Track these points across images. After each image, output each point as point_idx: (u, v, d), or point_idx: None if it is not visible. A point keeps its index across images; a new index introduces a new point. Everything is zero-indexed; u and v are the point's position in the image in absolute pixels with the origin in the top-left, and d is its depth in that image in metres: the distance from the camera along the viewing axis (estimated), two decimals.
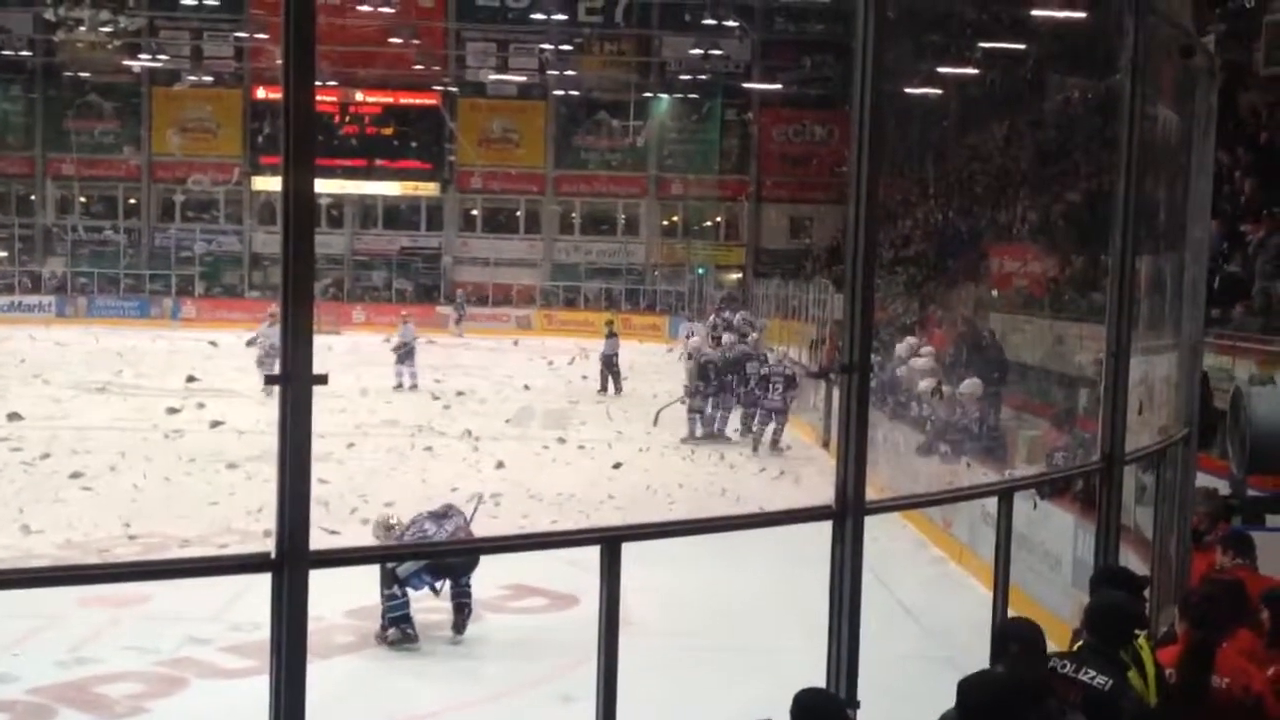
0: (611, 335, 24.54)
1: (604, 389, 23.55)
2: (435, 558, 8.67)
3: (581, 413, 20.38)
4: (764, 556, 8.58)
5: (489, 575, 9.09)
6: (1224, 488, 8.42)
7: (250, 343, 22.19)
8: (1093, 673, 4.35)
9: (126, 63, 43.29)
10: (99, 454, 14.63)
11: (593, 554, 3.99)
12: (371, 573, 8.73)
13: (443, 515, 9.06)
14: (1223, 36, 20.82)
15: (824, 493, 4.61)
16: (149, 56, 43.70)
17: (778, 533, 4.96)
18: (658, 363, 26.39)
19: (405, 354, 23.41)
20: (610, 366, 23.86)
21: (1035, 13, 25.69)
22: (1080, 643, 4.76)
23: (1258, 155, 17.12)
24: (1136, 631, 4.75)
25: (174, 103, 43.78)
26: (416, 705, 7.98)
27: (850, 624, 4.47)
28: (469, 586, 9.00)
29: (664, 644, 8.39)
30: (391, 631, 8.83)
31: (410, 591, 8.82)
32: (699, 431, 18.54)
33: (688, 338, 25.17)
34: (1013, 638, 4.32)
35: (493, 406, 20.02)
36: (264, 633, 3.45)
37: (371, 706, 7.77)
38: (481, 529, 9.10)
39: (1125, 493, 6.28)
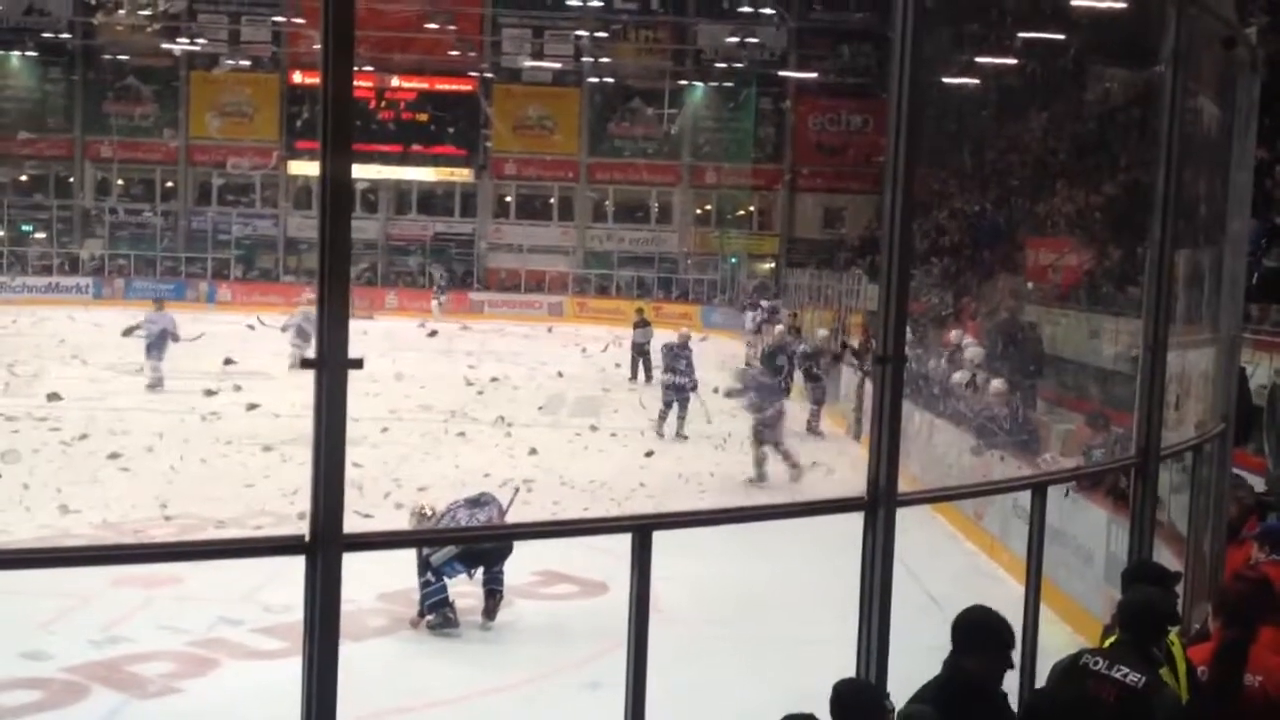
0: (644, 323, 24.51)
1: (634, 377, 23.54)
2: (468, 544, 8.72)
3: (614, 400, 20.40)
4: (796, 546, 8.57)
5: (520, 561, 9.12)
6: (1259, 484, 8.36)
7: (284, 328, 22.38)
8: (1126, 670, 4.32)
9: (165, 46, 43.61)
10: (136, 435, 14.77)
11: (624, 542, 4.00)
12: (404, 556, 8.78)
13: (477, 503, 9.09)
14: (1266, 29, 20.58)
15: (855, 484, 4.60)
16: (187, 40, 43.98)
17: (810, 523, 4.96)
18: (691, 350, 26.36)
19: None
20: (642, 354, 23.84)
21: (1075, 2, 25.45)
22: (1113, 639, 4.73)
23: None
24: (1169, 628, 4.72)
25: (212, 86, 44.04)
26: (446, 689, 8.02)
27: (881, 615, 4.46)
28: (501, 574, 9.04)
29: (694, 633, 8.41)
30: (431, 617, 8.88)
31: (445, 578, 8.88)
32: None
33: (760, 325, 24.80)
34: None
35: (526, 393, 20.09)
36: (296, 615, 3.48)
37: (402, 689, 7.82)
38: (514, 515, 9.13)
39: (1160, 487, 6.23)
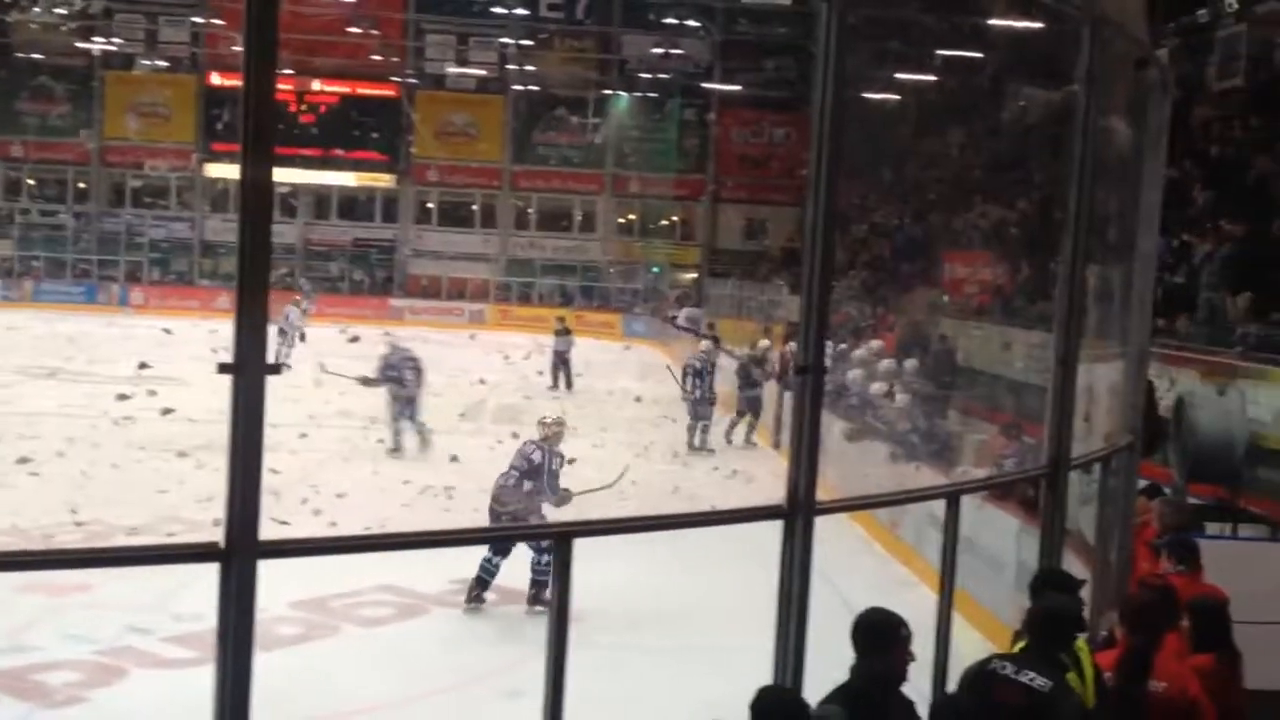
0: (565, 331, 24.54)
1: (555, 385, 23.54)
2: (377, 550, 8.69)
3: (536, 408, 20.31)
4: (718, 555, 8.62)
5: (439, 570, 9.08)
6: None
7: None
8: (1033, 675, 4.41)
9: (81, 45, 42.78)
10: (46, 439, 14.46)
11: None
12: (318, 564, 8.68)
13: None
14: (1176, 51, 21.16)
15: (776, 493, 4.64)
16: (104, 40, 43.19)
17: (732, 532, 5.00)
18: (613, 359, 26.42)
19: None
20: (563, 362, 23.87)
21: (993, 22, 25.94)
22: (1021, 645, 4.82)
23: (1208, 169, 17.39)
24: (1076, 635, 4.82)
25: (128, 87, 43.31)
26: (362, 699, 7.95)
27: (798, 623, 4.51)
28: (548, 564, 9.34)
29: (614, 640, 8.42)
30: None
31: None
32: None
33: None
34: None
35: (447, 400, 19.96)
36: (206, 623, 3.43)
37: (316, 700, 7.72)
38: (434, 522, 9.11)
39: (1069, 497, 6.36)
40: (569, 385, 23.55)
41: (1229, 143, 17.91)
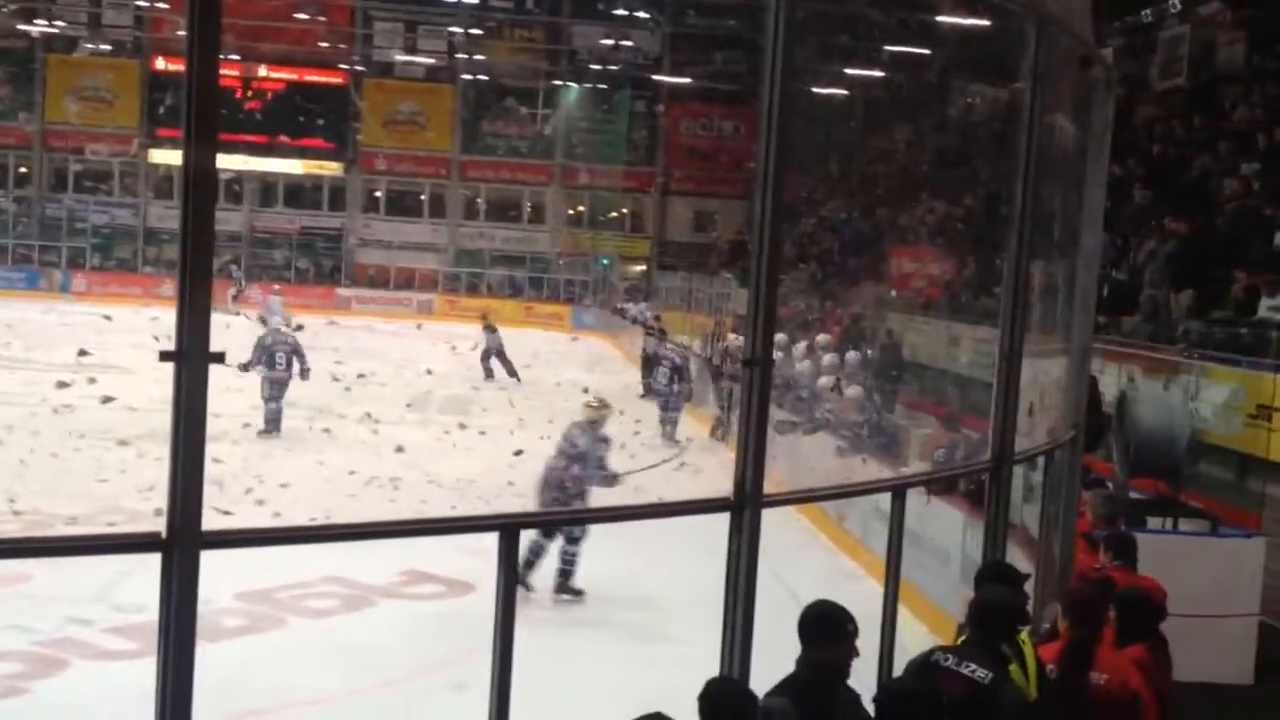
0: (490, 329, 24.27)
1: (489, 377, 23.36)
2: (323, 541, 8.61)
3: (483, 399, 20.28)
4: (666, 547, 8.62)
5: (386, 561, 9.02)
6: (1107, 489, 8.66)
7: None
8: (974, 666, 4.46)
9: (22, 27, 42.04)
10: None
11: (491, 541, 3.98)
12: (262, 555, 8.60)
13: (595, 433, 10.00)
14: (1120, 50, 21.43)
15: (722, 485, 4.65)
16: (45, 22, 42.46)
17: (681, 524, 5.00)
18: (561, 350, 26.36)
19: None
20: (498, 357, 23.60)
21: (941, 19, 26.14)
22: (964, 637, 4.87)
23: (1150, 167, 17.62)
24: (1019, 627, 4.87)
25: (70, 70, 42.63)
26: (306, 691, 7.87)
27: (745, 614, 4.52)
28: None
29: (562, 633, 8.41)
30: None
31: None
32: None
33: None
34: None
35: (393, 390, 19.82)
36: (148, 615, 3.39)
37: (260, 691, 7.65)
38: (380, 513, 9.05)
39: (1013, 491, 6.43)
40: (513, 375, 23.43)
41: (1171, 142, 18.15)
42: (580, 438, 10.11)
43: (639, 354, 27.37)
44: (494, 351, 23.81)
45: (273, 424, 16.32)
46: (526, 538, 9.59)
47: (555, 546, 9.74)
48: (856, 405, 13.25)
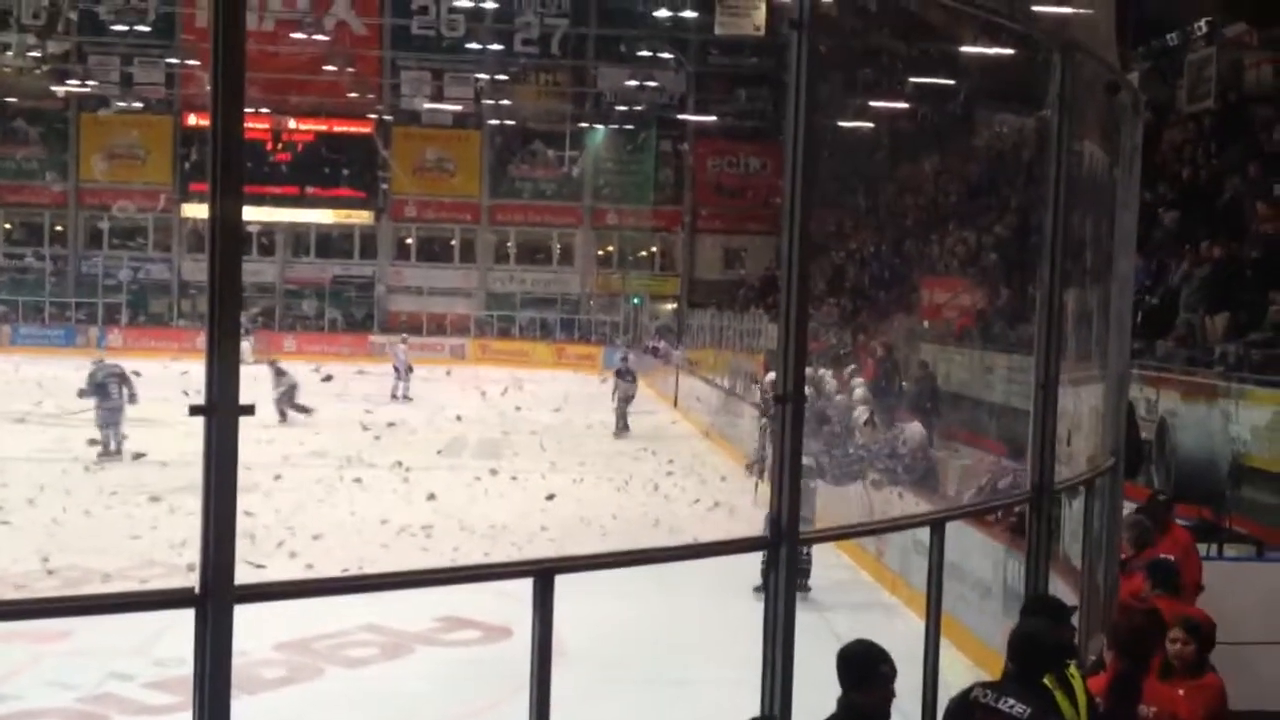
0: (280, 372, 22.93)
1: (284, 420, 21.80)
2: (354, 592, 8.57)
3: (514, 443, 20.26)
4: (700, 587, 8.55)
5: (421, 608, 8.98)
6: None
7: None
8: (1012, 701, 4.36)
9: (54, 88, 42.70)
10: (16, 486, 14.26)
11: (525, 586, 3.95)
12: (300, 606, 8.59)
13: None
14: (1147, 74, 21.34)
15: (758, 523, 4.60)
16: (77, 82, 43.12)
17: (714, 563, 4.95)
18: (591, 393, 26.33)
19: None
20: (287, 402, 22.35)
21: (964, 49, 26.12)
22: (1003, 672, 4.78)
23: (1181, 191, 17.49)
24: (1067, 660, 4.77)
25: (102, 129, 43.25)
26: None
27: (784, 651, 4.46)
28: None
29: (598, 676, 8.33)
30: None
31: None
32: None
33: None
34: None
35: (424, 437, 19.84)
36: (189, 668, 3.37)
37: None
38: (412, 561, 9.01)
39: (1064, 521, 6.34)
40: (304, 412, 22.19)
41: (1200, 165, 18.02)
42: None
43: (671, 394, 27.36)
44: (288, 394, 22.56)
45: (114, 448, 17.51)
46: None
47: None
48: (919, 445, 13.00)
